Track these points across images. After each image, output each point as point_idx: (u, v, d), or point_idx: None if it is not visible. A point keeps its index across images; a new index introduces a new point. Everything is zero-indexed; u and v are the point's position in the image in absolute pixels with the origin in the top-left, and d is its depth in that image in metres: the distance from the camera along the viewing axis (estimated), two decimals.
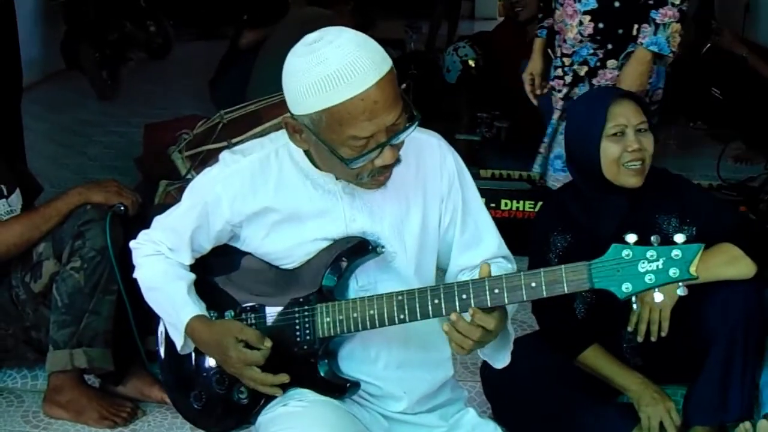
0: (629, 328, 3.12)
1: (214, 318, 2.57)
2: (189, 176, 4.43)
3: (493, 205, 4.78)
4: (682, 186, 3.26)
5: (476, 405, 3.12)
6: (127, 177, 5.68)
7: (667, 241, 2.16)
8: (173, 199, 4.14)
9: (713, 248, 3.00)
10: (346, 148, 2.24)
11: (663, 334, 3.06)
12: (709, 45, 6.72)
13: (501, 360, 2.51)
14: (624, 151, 3.08)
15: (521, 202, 4.81)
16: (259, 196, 2.45)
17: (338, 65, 2.15)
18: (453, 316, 2.27)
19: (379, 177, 2.34)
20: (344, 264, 2.45)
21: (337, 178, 2.42)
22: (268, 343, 2.45)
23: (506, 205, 4.79)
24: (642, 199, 3.15)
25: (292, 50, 2.26)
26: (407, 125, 2.27)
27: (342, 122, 2.19)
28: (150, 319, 2.75)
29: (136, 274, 2.66)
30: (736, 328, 3.01)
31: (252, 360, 2.45)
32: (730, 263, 3.00)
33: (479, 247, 2.56)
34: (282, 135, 2.43)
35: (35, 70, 8.82)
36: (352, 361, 2.54)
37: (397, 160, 2.32)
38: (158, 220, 2.64)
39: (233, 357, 2.45)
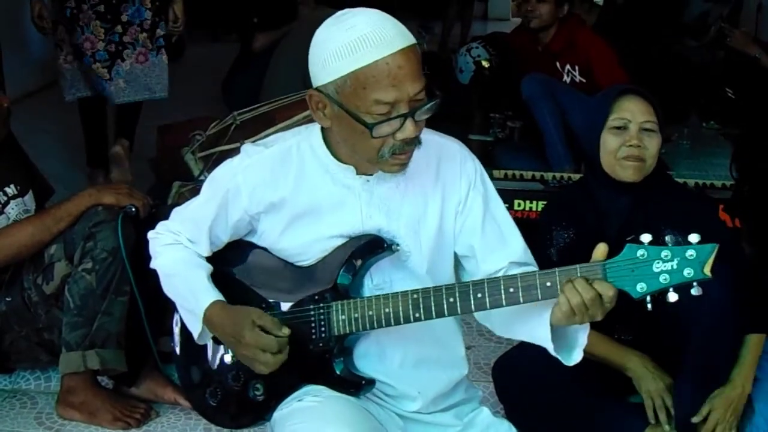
0: None
1: None
2: (202, 177, 4.45)
3: (506, 205, 4.75)
4: (701, 210, 3.22)
5: (490, 405, 3.11)
6: (140, 178, 5.70)
7: (683, 240, 2.17)
8: (186, 200, 4.15)
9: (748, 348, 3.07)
10: (369, 116, 2.26)
11: None
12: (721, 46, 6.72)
13: (575, 356, 2.42)
14: (623, 145, 3.08)
15: (534, 202, 4.80)
16: (279, 187, 2.46)
17: (366, 30, 2.22)
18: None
19: (400, 155, 2.33)
20: (359, 262, 2.47)
21: (357, 173, 2.44)
22: (286, 331, 2.43)
23: (519, 205, 4.78)
24: (650, 205, 3.13)
25: (322, 24, 2.31)
26: (429, 101, 2.29)
27: (366, 86, 2.23)
28: (163, 319, 2.76)
29: (153, 263, 2.67)
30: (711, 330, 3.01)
31: (266, 345, 2.41)
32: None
33: (504, 249, 2.54)
34: (304, 129, 2.48)
35: (49, 71, 8.82)
36: (367, 360, 2.55)
37: (418, 141, 2.34)
38: (177, 212, 2.66)
39: (247, 338, 2.42)
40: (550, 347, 2.36)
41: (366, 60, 2.21)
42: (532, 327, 2.38)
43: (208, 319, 2.53)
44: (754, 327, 3.09)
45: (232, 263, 2.65)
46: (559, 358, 2.39)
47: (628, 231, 3.04)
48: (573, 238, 3.16)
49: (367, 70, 2.21)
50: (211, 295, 2.53)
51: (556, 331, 2.33)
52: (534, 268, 2.55)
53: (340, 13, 2.30)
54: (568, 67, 5.87)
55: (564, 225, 3.19)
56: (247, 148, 2.53)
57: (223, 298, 2.55)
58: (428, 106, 2.29)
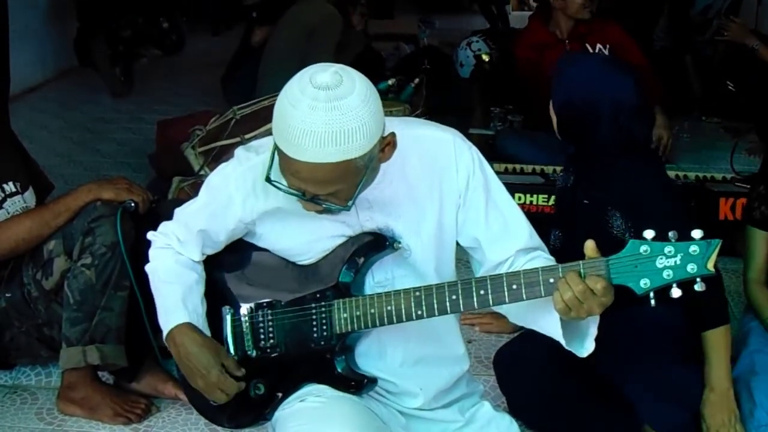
0: None
1: (230, 313, 2.57)
2: (202, 172, 4.45)
3: None
4: (639, 192, 3.13)
5: (491, 398, 3.11)
6: (140, 173, 5.72)
7: (686, 236, 2.15)
8: (186, 195, 4.15)
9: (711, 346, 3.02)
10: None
11: None
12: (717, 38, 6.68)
13: (587, 345, 2.36)
14: None
15: (534, 195, 4.79)
16: (271, 196, 2.43)
17: (296, 123, 2.14)
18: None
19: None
20: (361, 260, 2.46)
21: None
22: (242, 372, 2.52)
23: (519, 198, 4.75)
24: (593, 185, 3.11)
25: (303, 71, 2.21)
26: (337, 207, 2.30)
27: (281, 157, 2.24)
28: None
29: (146, 267, 2.66)
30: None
31: (228, 388, 2.49)
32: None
33: (510, 238, 2.50)
34: None
35: (48, 67, 8.86)
36: (368, 358, 2.55)
37: (327, 210, 2.33)
38: (177, 212, 2.64)
39: (213, 378, 2.48)
40: (562, 342, 2.34)
41: (279, 144, 2.20)
42: (544, 320, 2.36)
43: (171, 340, 2.53)
44: (708, 323, 3.03)
45: (233, 263, 2.63)
46: (572, 350, 2.36)
47: (583, 222, 3.03)
48: (559, 236, 3.16)
49: (281, 151, 2.21)
50: (178, 316, 2.52)
51: (566, 322, 2.31)
52: (543, 252, 2.54)
53: (319, 80, 2.16)
54: (599, 45, 5.76)
55: (554, 224, 3.18)
56: (239, 153, 2.50)
57: (203, 315, 2.56)
58: (328, 207, 2.31)
